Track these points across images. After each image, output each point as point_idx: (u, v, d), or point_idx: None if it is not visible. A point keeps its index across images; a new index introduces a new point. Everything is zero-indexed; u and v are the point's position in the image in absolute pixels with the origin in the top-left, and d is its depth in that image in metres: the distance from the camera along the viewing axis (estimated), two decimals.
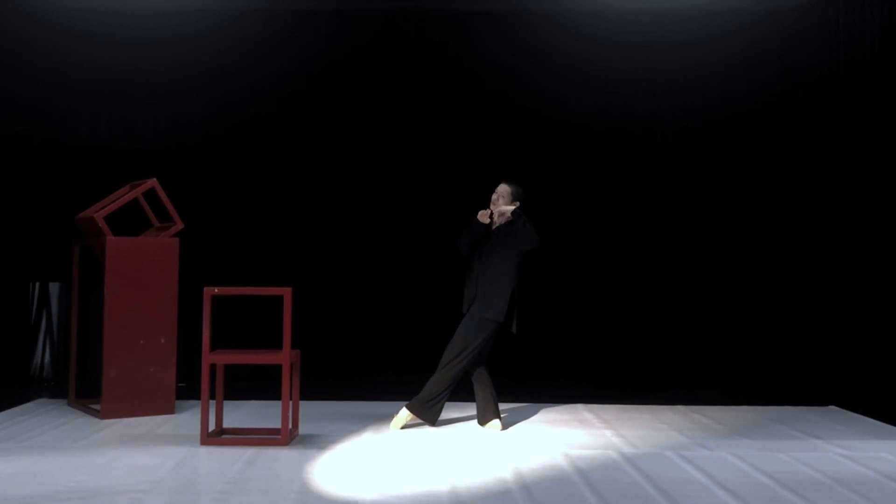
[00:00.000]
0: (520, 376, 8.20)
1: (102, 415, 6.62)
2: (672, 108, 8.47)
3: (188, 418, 6.64)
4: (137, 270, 6.79)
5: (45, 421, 6.56)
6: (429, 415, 6.37)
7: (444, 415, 6.63)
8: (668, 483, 4.97)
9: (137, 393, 6.72)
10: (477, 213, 6.35)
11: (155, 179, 7.16)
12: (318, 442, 5.94)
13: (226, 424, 6.24)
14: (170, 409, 6.83)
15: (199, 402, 6.16)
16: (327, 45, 8.53)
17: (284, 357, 5.91)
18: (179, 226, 7.09)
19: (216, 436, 5.97)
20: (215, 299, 5.97)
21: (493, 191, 6.45)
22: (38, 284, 8.48)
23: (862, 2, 8.31)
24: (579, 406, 7.24)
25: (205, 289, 5.97)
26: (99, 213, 6.87)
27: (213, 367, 6.01)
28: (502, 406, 6.61)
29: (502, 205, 6.35)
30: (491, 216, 6.34)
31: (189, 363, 7.73)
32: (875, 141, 8.16)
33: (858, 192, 8.20)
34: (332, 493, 4.79)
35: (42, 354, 8.47)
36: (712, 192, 8.41)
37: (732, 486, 4.90)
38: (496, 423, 6.35)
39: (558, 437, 6.17)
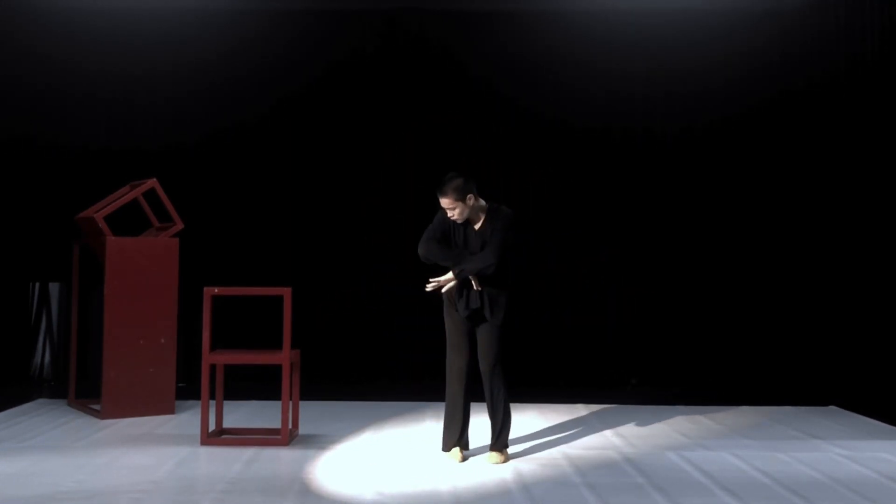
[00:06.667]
0: (520, 376, 8.18)
1: (102, 415, 6.62)
2: (672, 108, 8.45)
3: (188, 418, 6.64)
4: (137, 270, 6.80)
5: (45, 421, 6.56)
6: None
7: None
8: (668, 483, 4.97)
9: (137, 393, 6.72)
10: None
11: (155, 179, 7.17)
12: (318, 442, 5.94)
13: (226, 424, 6.24)
14: (170, 409, 6.83)
15: (199, 402, 6.16)
16: (327, 46, 8.52)
17: (284, 357, 5.91)
18: (179, 226, 7.10)
19: (216, 436, 5.97)
20: (215, 299, 5.98)
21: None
22: (38, 284, 8.47)
23: (862, 2, 8.31)
24: (579, 406, 7.24)
25: (205, 289, 5.98)
26: (99, 213, 6.88)
27: (213, 367, 6.01)
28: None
29: (458, 215, 5.40)
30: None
31: (189, 363, 7.72)
32: (875, 141, 8.16)
33: (858, 193, 8.20)
34: (332, 493, 4.79)
35: (42, 354, 8.46)
36: (712, 193, 8.40)
37: (732, 486, 4.90)
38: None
39: (558, 437, 6.17)
